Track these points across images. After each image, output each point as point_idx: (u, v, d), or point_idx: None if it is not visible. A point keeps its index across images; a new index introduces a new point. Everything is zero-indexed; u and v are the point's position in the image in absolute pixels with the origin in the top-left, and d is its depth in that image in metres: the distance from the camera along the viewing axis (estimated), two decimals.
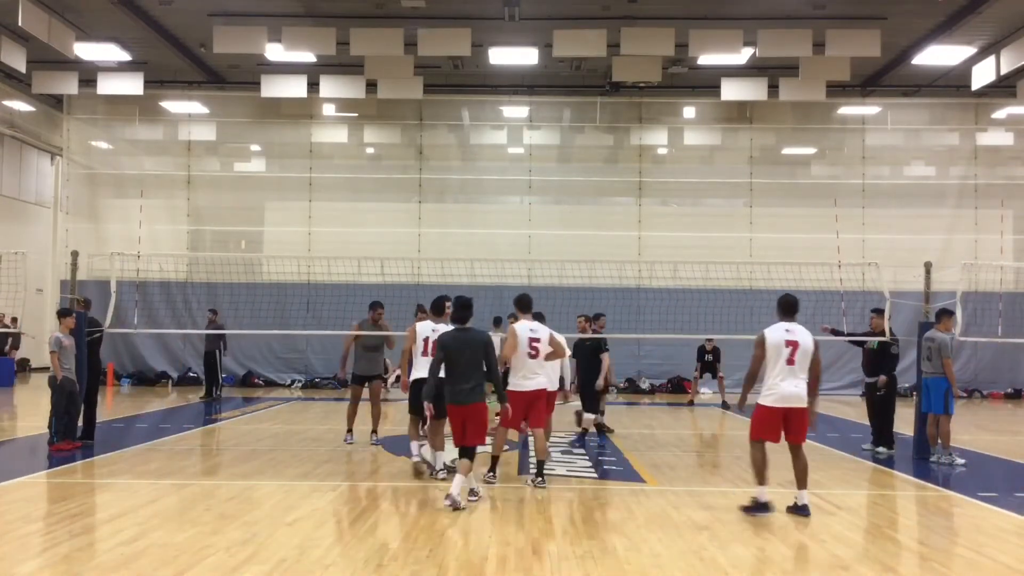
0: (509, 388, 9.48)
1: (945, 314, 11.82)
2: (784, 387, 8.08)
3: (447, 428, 9.35)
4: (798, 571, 6.39)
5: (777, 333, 8.24)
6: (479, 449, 8.83)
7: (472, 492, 8.59)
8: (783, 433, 8.19)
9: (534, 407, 9.55)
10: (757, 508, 8.11)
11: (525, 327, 9.61)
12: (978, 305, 17.34)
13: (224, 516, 7.84)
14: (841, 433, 14.71)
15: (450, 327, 9.12)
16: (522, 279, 20.99)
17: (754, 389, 8.55)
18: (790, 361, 8.11)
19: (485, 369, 8.50)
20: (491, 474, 9.64)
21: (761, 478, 8.17)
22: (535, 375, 9.54)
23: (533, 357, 9.52)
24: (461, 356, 8.43)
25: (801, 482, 8.18)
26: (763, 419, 8.22)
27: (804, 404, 8.13)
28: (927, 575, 6.43)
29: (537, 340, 9.55)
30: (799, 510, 8.13)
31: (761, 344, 8.24)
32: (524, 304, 9.79)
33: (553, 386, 10.84)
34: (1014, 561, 6.77)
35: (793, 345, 8.15)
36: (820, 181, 24.24)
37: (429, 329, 9.90)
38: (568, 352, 10.65)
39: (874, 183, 23.80)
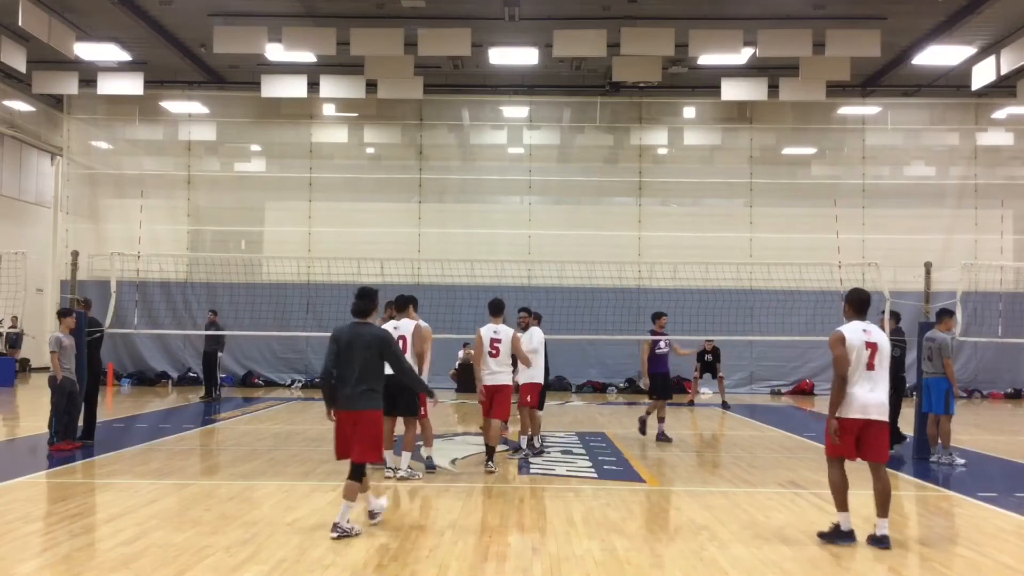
0: (479, 382, 10.51)
1: (945, 314, 11.83)
2: (863, 396, 7.04)
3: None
4: (798, 571, 6.39)
5: (856, 333, 7.16)
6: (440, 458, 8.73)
7: (371, 514, 7.62)
8: (858, 449, 7.13)
9: (496, 399, 10.45)
10: (838, 536, 7.13)
11: (489, 329, 10.56)
12: (978, 305, 17.35)
13: (224, 516, 7.84)
14: None
15: (401, 322, 9.93)
16: (522, 279, 21.03)
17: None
18: (870, 366, 7.09)
19: (391, 369, 7.56)
20: (490, 463, 10.36)
21: (842, 503, 7.16)
22: (497, 372, 10.46)
23: (494, 356, 10.44)
24: (353, 354, 7.32)
25: (882, 509, 7.09)
26: (845, 432, 7.09)
27: (885, 416, 7.15)
28: (927, 575, 6.42)
29: (498, 341, 10.47)
30: (878, 541, 7.05)
31: (842, 343, 7.12)
32: (494, 308, 10.74)
33: (534, 379, 11.53)
34: (1014, 561, 6.77)
35: (872, 347, 7.13)
36: (820, 181, 24.25)
37: (391, 328, 9.85)
38: (531, 359, 11.24)
39: (874, 183, 23.81)
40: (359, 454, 7.34)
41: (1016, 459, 12.29)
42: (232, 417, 16.30)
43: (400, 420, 10.03)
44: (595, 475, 10.48)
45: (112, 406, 17.67)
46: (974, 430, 15.68)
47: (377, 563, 6.41)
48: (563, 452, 12.06)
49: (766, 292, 18.86)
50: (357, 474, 7.35)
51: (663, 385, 13.64)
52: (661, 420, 13.47)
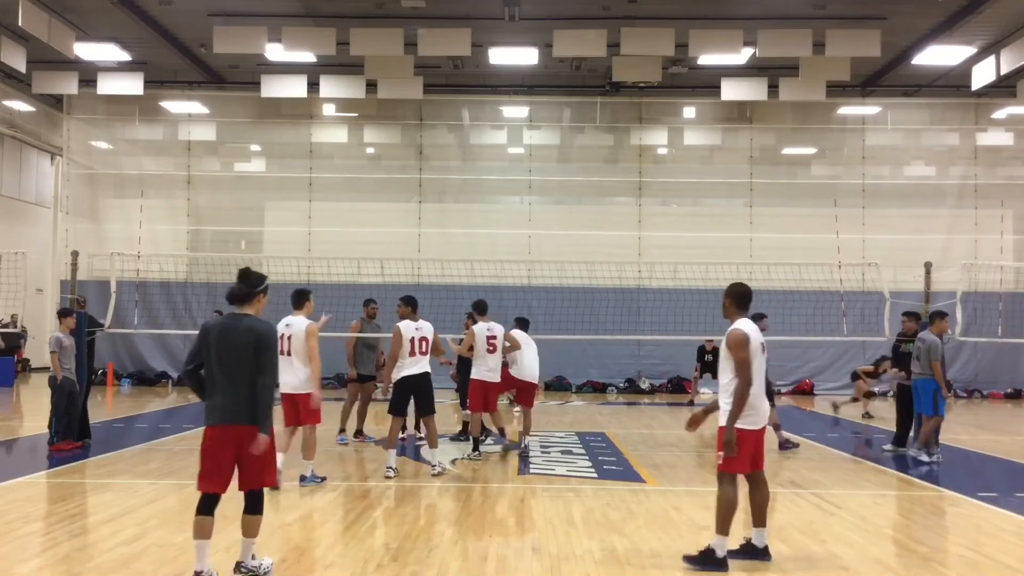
0: (473, 377, 11.21)
1: (938, 316, 11.78)
2: (763, 403, 6.51)
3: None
4: (798, 571, 6.39)
5: (756, 333, 6.49)
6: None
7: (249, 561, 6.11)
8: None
9: (492, 395, 11.30)
10: (712, 563, 6.35)
11: (483, 327, 11.23)
12: (978, 305, 17.36)
13: (224, 516, 7.80)
14: (841, 433, 14.72)
15: (420, 323, 10.01)
16: (522, 279, 21.03)
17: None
18: (761, 370, 6.52)
19: (261, 375, 5.82)
20: (476, 453, 11.10)
21: (726, 525, 6.43)
22: (494, 369, 11.23)
23: (491, 352, 11.13)
24: (228, 354, 5.83)
25: (760, 518, 6.65)
26: (751, 446, 6.44)
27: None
28: (927, 575, 6.43)
29: (494, 338, 11.14)
30: (760, 553, 6.57)
31: (747, 344, 6.36)
32: (481, 308, 11.46)
33: (533, 378, 11.97)
34: (1014, 561, 6.77)
35: (764, 348, 6.56)
36: (820, 181, 24.25)
37: (413, 329, 9.94)
38: (522, 346, 11.75)
39: (874, 183, 23.80)
40: (252, 481, 5.93)
41: (1016, 459, 12.29)
42: None
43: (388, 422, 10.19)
44: (595, 475, 10.49)
45: (112, 406, 17.67)
46: (974, 430, 15.69)
47: (377, 563, 6.41)
48: (563, 452, 12.06)
49: (766, 292, 18.75)
50: (255, 506, 5.99)
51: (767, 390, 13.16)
52: (777, 427, 12.44)
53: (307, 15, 18.31)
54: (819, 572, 6.41)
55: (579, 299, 19.11)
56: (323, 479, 9.39)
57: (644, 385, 22.85)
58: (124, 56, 19.51)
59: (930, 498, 9.57)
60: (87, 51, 18.79)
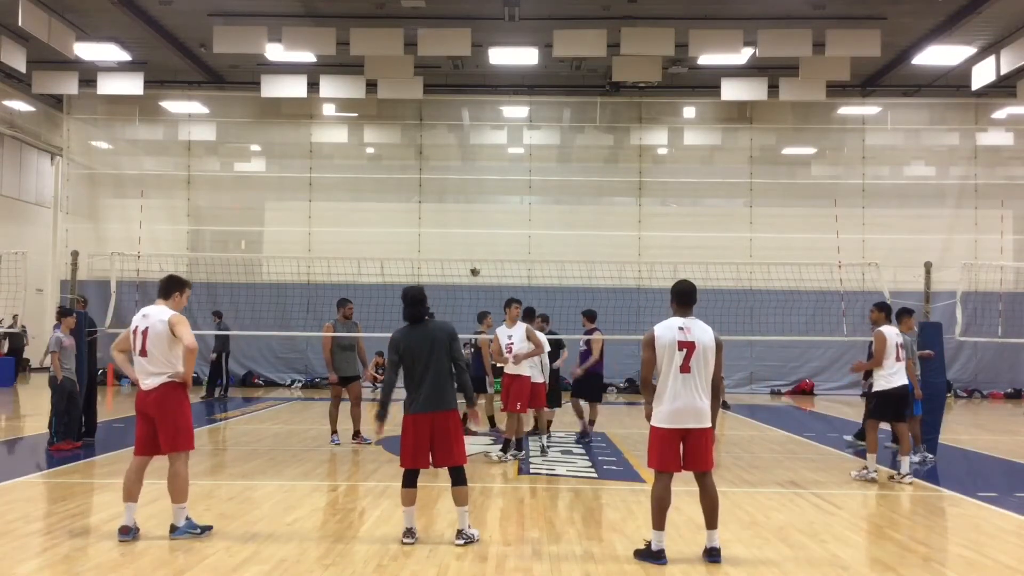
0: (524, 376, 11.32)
1: (905, 313, 11.65)
2: (678, 403, 6.57)
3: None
4: (798, 571, 6.39)
5: (669, 332, 6.67)
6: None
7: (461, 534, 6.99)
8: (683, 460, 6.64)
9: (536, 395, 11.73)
10: (648, 556, 6.55)
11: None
12: (978, 305, 17.35)
13: (224, 516, 7.84)
14: (840, 433, 14.71)
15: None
16: (522, 279, 21.02)
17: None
18: (684, 368, 6.58)
19: (453, 368, 7.12)
20: (521, 452, 11.36)
21: (660, 521, 6.56)
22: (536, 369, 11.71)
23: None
24: (431, 351, 7.05)
25: (711, 521, 6.61)
26: (659, 443, 6.61)
27: (705, 423, 6.57)
28: (927, 575, 6.42)
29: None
30: (709, 553, 6.58)
31: (651, 344, 6.72)
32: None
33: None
34: (1014, 561, 6.76)
35: (689, 347, 6.60)
36: (820, 181, 24.26)
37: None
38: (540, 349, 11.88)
39: (874, 183, 23.82)
40: (445, 459, 7.00)
41: (1016, 459, 12.29)
42: (232, 417, 16.30)
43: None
44: (595, 475, 10.50)
45: (112, 406, 17.67)
46: (974, 430, 15.68)
47: (377, 563, 6.41)
48: (563, 452, 12.07)
49: (766, 292, 18.85)
50: (459, 479, 7.01)
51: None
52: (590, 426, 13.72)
53: (307, 15, 18.32)
54: (819, 572, 6.41)
55: (579, 299, 19.07)
56: (207, 528, 7.16)
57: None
58: (124, 56, 19.51)
59: (930, 498, 9.56)
60: (87, 51, 18.80)
